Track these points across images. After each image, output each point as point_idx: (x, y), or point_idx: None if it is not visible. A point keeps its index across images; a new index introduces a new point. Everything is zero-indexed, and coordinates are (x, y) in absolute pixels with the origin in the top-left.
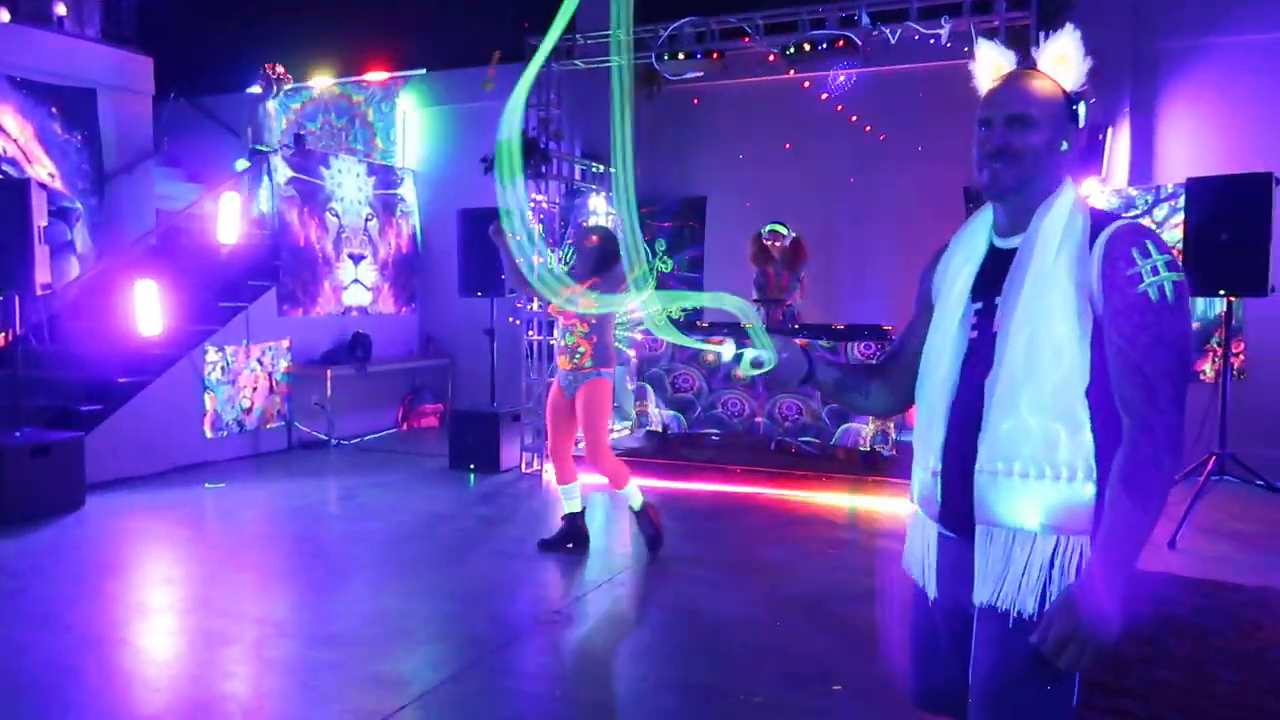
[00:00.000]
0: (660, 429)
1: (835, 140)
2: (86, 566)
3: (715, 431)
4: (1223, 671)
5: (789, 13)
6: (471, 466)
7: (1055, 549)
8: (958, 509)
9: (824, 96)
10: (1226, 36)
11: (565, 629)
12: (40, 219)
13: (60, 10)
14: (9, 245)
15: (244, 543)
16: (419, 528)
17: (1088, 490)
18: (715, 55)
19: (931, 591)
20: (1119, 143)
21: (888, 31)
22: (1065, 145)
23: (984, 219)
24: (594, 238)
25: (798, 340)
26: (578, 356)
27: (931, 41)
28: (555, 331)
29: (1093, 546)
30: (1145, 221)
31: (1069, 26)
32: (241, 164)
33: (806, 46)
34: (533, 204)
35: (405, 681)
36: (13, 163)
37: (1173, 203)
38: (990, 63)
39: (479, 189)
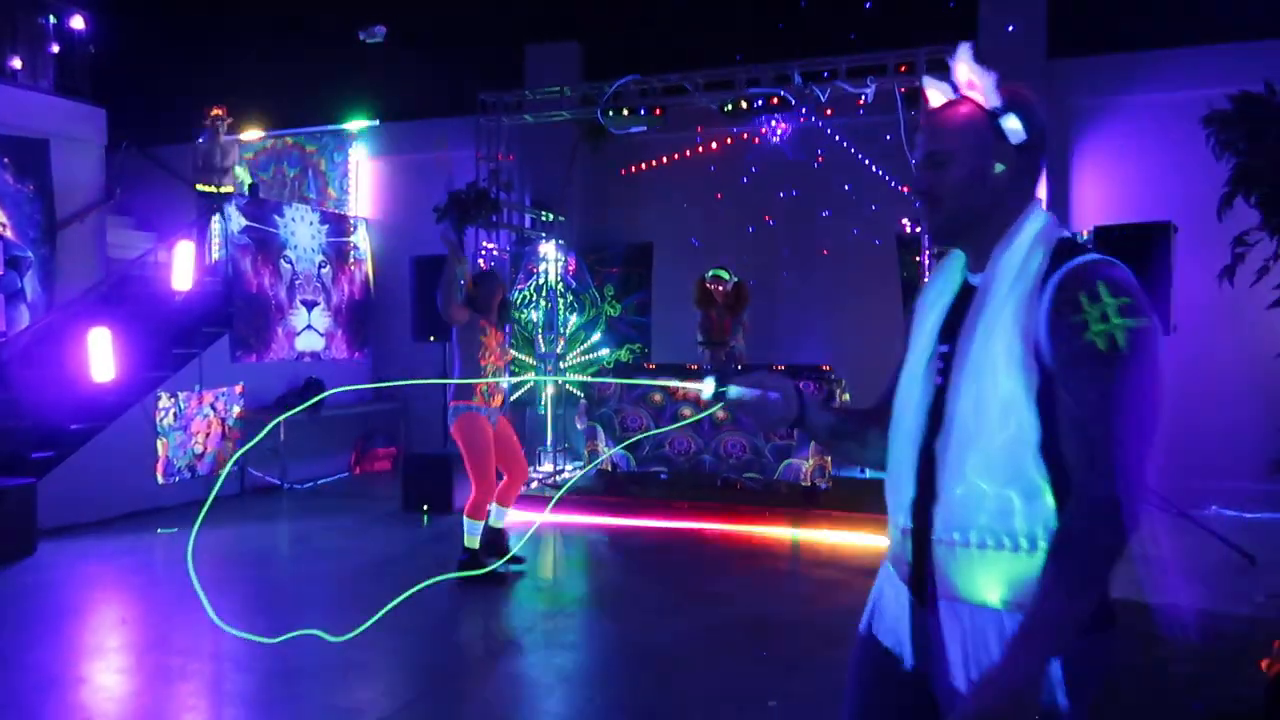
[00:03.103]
0: (610, 467)
1: (773, 189)
2: (40, 610)
3: (663, 469)
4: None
5: (726, 72)
6: (425, 508)
7: None
8: (925, 575)
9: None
10: (1134, 95)
11: (516, 658)
12: None
13: (15, 64)
14: None
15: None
16: (372, 568)
17: None
18: (658, 111)
19: (908, 660)
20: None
21: (818, 90)
22: (1000, 167)
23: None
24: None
25: (792, 381)
26: (501, 392)
27: (860, 99)
28: (487, 370)
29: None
30: None
31: (963, 46)
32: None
33: (744, 104)
34: (484, 251)
35: (359, 711)
36: None
37: None
38: (937, 100)
39: (431, 236)
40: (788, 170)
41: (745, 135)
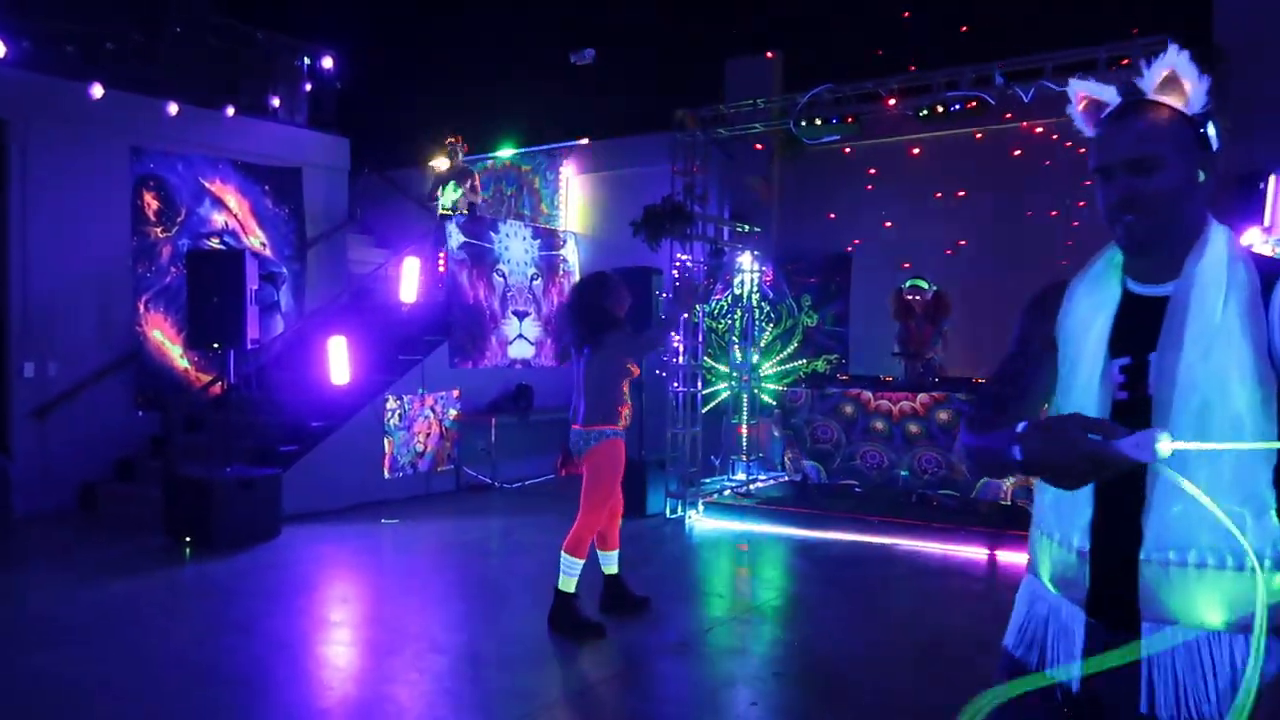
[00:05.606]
0: (800, 478)
1: (976, 195)
2: (280, 585)
3: (855, 483)
4: None
5: (923, 76)
6: None
7: (1245, 652)
8: (1115, 598)
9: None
10: None
11: (687, 658)
12: (252, 283)
13: (275, 102)
14: (227, 306)
15: (412, 572)
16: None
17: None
18: (850, 119)
19: (1075, 685)
20: None
21: (1020, 91)
22: (1203, 176)
23: (1110, 259)
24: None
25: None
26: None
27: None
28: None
29: None
30: None
31: (1173, 47)
32: None
33: (940, 108)
34: (678, 263)
35: (534, 694)
36: (233, 234)
37: None
38: (1088, 101)
39: (628, 249)
40: (989, 174)
41: (946, 138)
